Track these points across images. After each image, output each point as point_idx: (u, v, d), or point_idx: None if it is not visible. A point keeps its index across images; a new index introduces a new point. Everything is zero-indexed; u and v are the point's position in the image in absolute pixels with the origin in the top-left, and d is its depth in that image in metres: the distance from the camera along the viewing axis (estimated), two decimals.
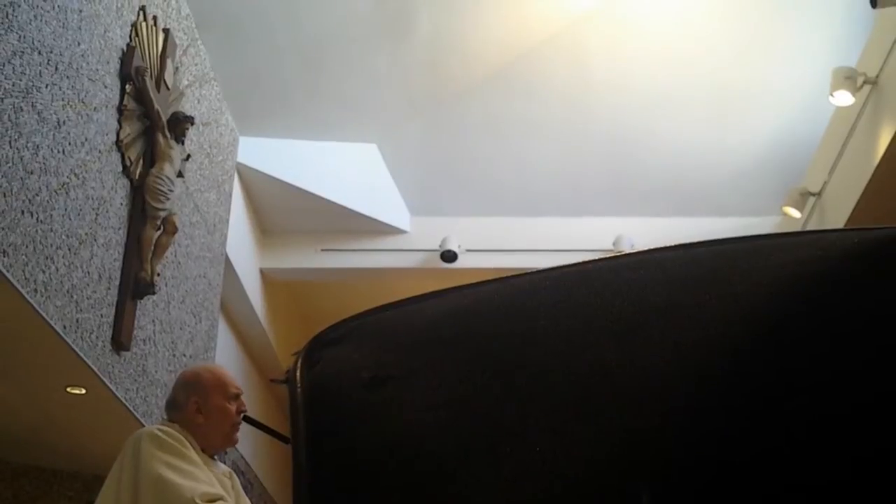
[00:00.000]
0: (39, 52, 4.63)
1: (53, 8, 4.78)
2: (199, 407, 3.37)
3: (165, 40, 6.18)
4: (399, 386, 0.80)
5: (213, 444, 3.39)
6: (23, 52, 4.47)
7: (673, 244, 0.86)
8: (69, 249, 4.89)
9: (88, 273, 5.10)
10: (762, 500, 0.70)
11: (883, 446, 0.72)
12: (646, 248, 0.87)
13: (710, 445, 0.73)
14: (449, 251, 8.72)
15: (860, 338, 0.75)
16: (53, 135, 4.76)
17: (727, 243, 0.85)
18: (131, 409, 5.65)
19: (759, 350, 0.76)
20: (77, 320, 4.96)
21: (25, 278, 4.47)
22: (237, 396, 3.45)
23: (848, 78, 6.34)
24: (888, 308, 0.76)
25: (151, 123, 5.88)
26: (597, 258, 0.89)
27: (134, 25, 5.76)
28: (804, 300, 0.77)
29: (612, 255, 0.87)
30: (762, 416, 0.73)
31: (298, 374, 0.83)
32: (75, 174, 4.98)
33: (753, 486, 0.71)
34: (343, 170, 8.55)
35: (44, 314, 4.64)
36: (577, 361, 0.78)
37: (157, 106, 5.85)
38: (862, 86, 6.35)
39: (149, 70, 5.83)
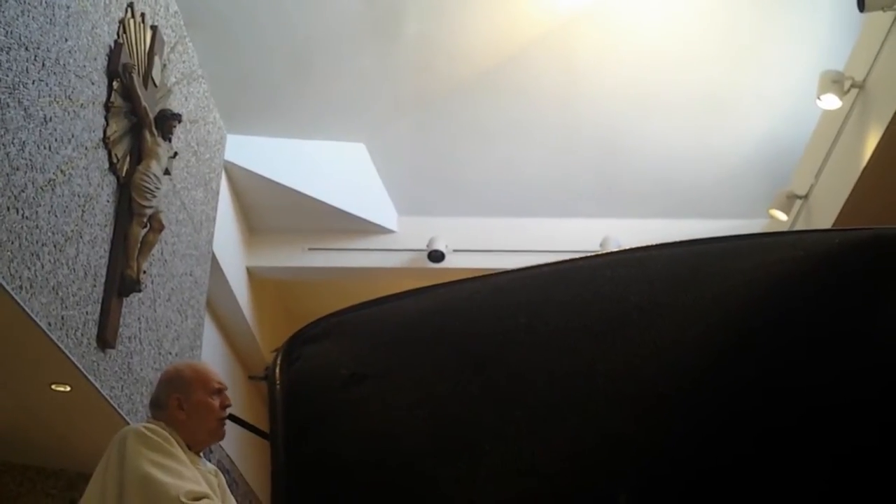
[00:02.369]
0: (26, 48, 4.62)
1: (41, 4, 4.77)
2: (180, 403, 3.36)
3: (153, 37, 6.17)
4: (377, 384, 0.80)
5: (199, 440, 3.38)
6: (9, 48, 4.46)
7: (653, 244, 0.87)
8: (55, 246, 4.87)
9: (74, 270, 5.09)
10: (741, 502, 0.70)
11: (862, 445, 0.72)
12: (626, 248, 0.87)
13: (688, 446, 0.73)
14: (436, 251, 8.72)
15: (840, 338, 0.75)
16: (40, 131, 4.74)
17: (707, 243, 0.85)
18: (116, 406, 5.63)
19: (738, 351, 0.76)
20: (62, 317, 4.95)
21: (11, 275, 4.45)
22: (220, 391, 3.43)
23: (835, 82, 6.36)
24: (869, 308, 0.76)
25: (138, 120, 5.87)
26: (577, 257, 0.89)
27: (122, 22, 5.75)
28: (784, 301, 0.77)
29: (593, 254, 0.86)
30: (741, 417, 0.73)
31: (278, 371, 0.83)
32: (62, 171, 4.96)
33: (732, 488, 0.71)
34: (331, 169, 8.55)
35: (29, 311, 4.62)
36: (556, 360, 0.78)
37: (144, 103, 5.84)
38: (849, 89, 6.37)
39: (136, 67, 5.82)
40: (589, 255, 0.92)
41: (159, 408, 3.41)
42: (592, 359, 0.78)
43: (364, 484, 0.75)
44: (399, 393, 0.78)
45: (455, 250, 8.78)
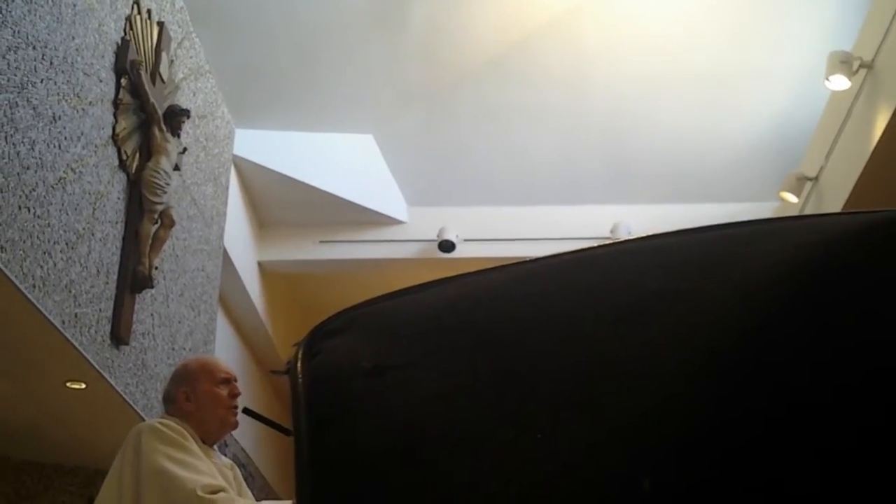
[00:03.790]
0: (34, 47, 4.63)
1: (47, 2, 4.77)
2: (187, 395, 3.39)
3: (160, 33, 6.18)
4: (400, 375, 0.80)
5: (211, 431, 3.39)
6: (17, 48, 4.46)
7: (672, 230, 0.87)
8: (67, 244, 4.89)
9: (87, 268, 5.10)
10: (764, 485, 0.70)
11: (876, 425, 0.72)
12: (644, 235, 0.87)
13: (711, 430, 0.73)
14: (447, 241, 8.72)
15: (860, 321, 0.75)
16: (49, 130, 4.75)
17: (726, 228, 0.85)
18: (131, 403, 5.65)
19: (759, 335, 0.76)
20: (76, 315, 4.97)
21: (24, 274, 4.47)
22: (227, 381, 3.45)
23: (843, 62, 6.34)
24: (888, 290, 0.76)
25: (147, 117, 5.88)
26: (596, 245, 0.90)
27: (128, 19, 5.75)
28: (803, 284, 0.77)
29: (611, 241, 0.86)
30: (762, 401, 0.73)
31: (299, 364, 0.83)
32: (72, 169, 4.97)
33: (757, 470, 0.71)
34: (339, 161, 8.55)
35: (42, 309, 4.64)
36: (577, 347, 0.78)
37: (152, 99, 5.85)
38: (858, 70, 6.35)
39: (144, 63, 5.83)
40: (607, 242, 0.92)
41: (170, 402, 3.45)
42: (613, 346, 0.78)
43: (388, 475, 0.75)
44: (420, 384, 0.78)
45: (466, 240, 8.78)
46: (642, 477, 0.71)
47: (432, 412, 0.76)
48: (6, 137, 4.34)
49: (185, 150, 6.38)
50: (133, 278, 5.59)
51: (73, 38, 5.04)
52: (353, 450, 0.77)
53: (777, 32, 7.36)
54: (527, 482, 0.73)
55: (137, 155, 5.81)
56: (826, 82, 6.49)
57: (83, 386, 5.49)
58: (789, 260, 0.78)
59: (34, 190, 4.58)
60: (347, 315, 0.88)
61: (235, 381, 3.50)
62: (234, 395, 3.45)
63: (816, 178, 7.37)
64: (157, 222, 5.86)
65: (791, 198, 7.49)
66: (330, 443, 0.77)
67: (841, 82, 6.41)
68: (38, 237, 4.60)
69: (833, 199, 6.93)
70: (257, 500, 3.40)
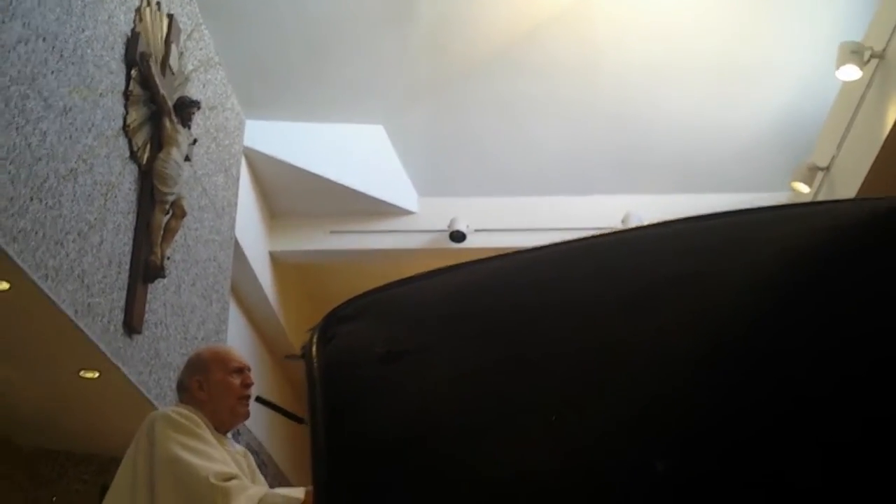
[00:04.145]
0: (44, 39, 4.64)
1: None
2: (200, 384, 3.41)
3: (170, 25, 6.19)
4: (413, 361, 0.81)
5: (223, 420, 3.41)
6: (27, 40, 4.48)
7: (683, 216, 0.87)
8: (79, 234, 4.91)
9: (99, 258, 5.13)
10: (778, 466, 0.71)
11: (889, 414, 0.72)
12: (656, 221, 0.87)
13: (723, 414, 0.73)
14: (457, 231, 8.73)
15: (873, 307, 0.76)
16: (60, 121, 4.77)
17: (737, 215, 0.85)
18: (144, 391, 5.68)
19: (771, 321, 0.76)
20: (88, 305, 4.99)
21: (36, 264, 4.49)
22: (240, 370, 3.46)
23: (854, 52, 6.31)
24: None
25: (157, 108, 5.89)
26: (607, 231, 0.90)
27: (138, 10, 5.76)
28: (815, 270, 0.78)
29: (622, 226, 0.87)
30: (774, 385, 0.74)
31: (314, 349, 0.84)
32: (83, 160, 4.99)
33: (771, 454, 0.72)
34: (350, 152, 8.55)
35: (55, 299, 4.66)
36: (588, 333, 0.79)
37: (162, 91, 5.86)
38: (869, 60, 6.32)
39: (154, 55, 5.84)
40: (618, 229, 0.93)
41: (183, 391, 3.48)
42: (624, 330, 0.79)
43: (403, 460, 0.76)
44: (434, 370, 0.79)
45: (476, 230, 8.78)
46: (655, 459, 0.72)
47: (445, 398, 0.77)
48: (17, 129, 4.35)
49: (195, 141, 6.40)
50: (145, 268, 5.62)
51: (83, 29, 5.06)
52: (368, 435, 0.77)
53: (788, 23, 7.33)
54: (539, 467, 0.74)
55: (148, 146, 5.83)
56: (837, 72, 6.46)
57: (96, 375, 5.51)
58: (802, 246, 0.79)
59: (46, 181, 4.60)
60: (360, 301, 0.88)
61: (249, 370, 3.52)
62: (247, 384, 3.47)
63: (828, 168, 7.35)
64: (168, 213, 5.88)
65: (803, 188, 7.47)
66: (346, 427, 0.78)
67: (852, 72, 6.39)
68: (50, 227, 4.62)
69: (845, 189, 6.91)
70: (270, 487, 3.41)
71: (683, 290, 0.79)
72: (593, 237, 0.89)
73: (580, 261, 0.86)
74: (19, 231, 4.33)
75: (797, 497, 0.70)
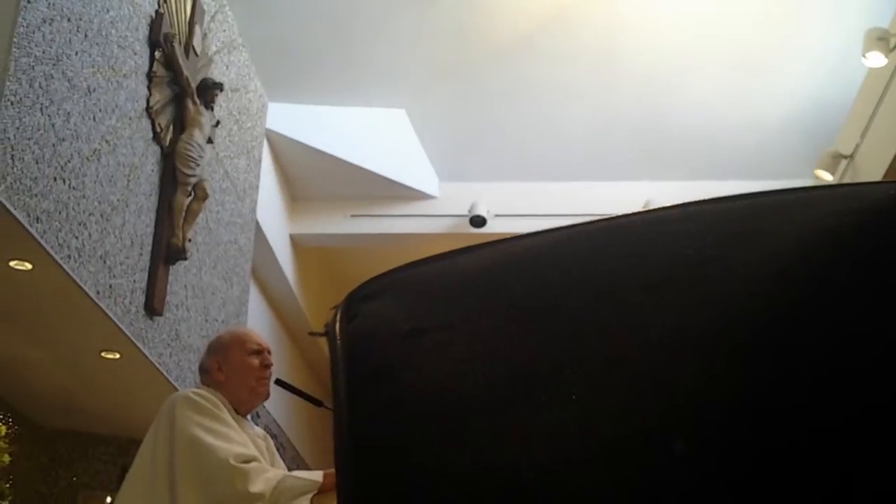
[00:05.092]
0: (69, 20, 4.66)
1: None
2: (219, 365, 3.43)
3: (193, 7, 6.20)
4: (435, 338, 0.81)
5: (241, 401, 3.43)
6: (52, 20, 4.50)
7: (706, 198, 0.87)
8: (101, 216, 4.93)
9: (121, 239, 5.15)
10: (800, 444, 0.71)
11: None
12: (679, 202, 0.87)
13: (743, 396, 0.73)
14: (478, 216, 8.72)
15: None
16: (84, 102, 4.79)
17: (762, 196, 0.85)
18: (164, 373, 5.71)
19: (795, 304, 0.76)
20: (110, 286, 5.02)
21: (59, 244, 4.51)
22: (259, 352, 3.48)
23: (881, 39, 6.27)
24: None
25: (181, 90, 5.91)
26: (631, 212, 0.90)
27: None
28: (840, 253, 0.78)
29: (644, 209, 0.87)
30: (795, 365, 0.74)
31: (337, 326, 0.84)
32: (106, 141, 5.01)
33: (789, 436, 0.72)
34: (372, 135, 8.56)
35: (77, 279, 4.69)
36: (609, 313, 0.79)
37: (185, 72, 5.88)
38: (895, 47, 6.28)
39: (177, 36, 5.85)
40: (643, 210, 0.92)
41: (204, 372, 3.50)
42: (645, 311, 0.79)
43: (427, 435, 0.76)
44: (457, 347, 0.79)
45: (497, 215, 8.78)
46: (674, 440, 0.72)
47: (468, 375, 0.77)
48: (41, 109, 4.38)
49: (218, 123, 6.41)
50: (167, 250, 5.64)
51: (108, 10, 5.07)
52: (391, 411, 0.78)
53: (813, 9, 7.28)
54: (560, 446, 0.74)
55: (171, 127, 5.85)
56: (863, 59, 6.42)
57: (117, 356, 5.55)
58: (825, 228, 0.78)
59: (69, 161, 4.62)
60: (383, 280, 0.89)
61: (269, 352, 3.53)
62: (266, 365, 3.48)
63: (852, 156, 7.30)
64: (190, 195, 5.90)
65: (826, 175, 7.43)
66: (368, 403, 0.79)
67: (878, 59, 6.35)
68: (73, 208, 4.64)
69: (868, 177, 6.86)
70: (288, 470, 3.43)
71: (704, 273, 0.79)
72: (616, 217, 0.89)
73: (603, 241, 0.86)
74: (42, 211, 4.36)
75: (806, 473, 0.70)
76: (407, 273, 0.89)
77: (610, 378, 0.74)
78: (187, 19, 6.11)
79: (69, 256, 4.61)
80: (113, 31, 5.13)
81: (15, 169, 4.15)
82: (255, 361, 3.46)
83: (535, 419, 0.72)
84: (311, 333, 0.94)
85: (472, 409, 0.73)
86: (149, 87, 5.58)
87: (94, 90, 4.90)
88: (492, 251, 0.88)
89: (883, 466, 0.70)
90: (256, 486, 3.04)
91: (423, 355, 0.77)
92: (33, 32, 4.33)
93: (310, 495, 3.07)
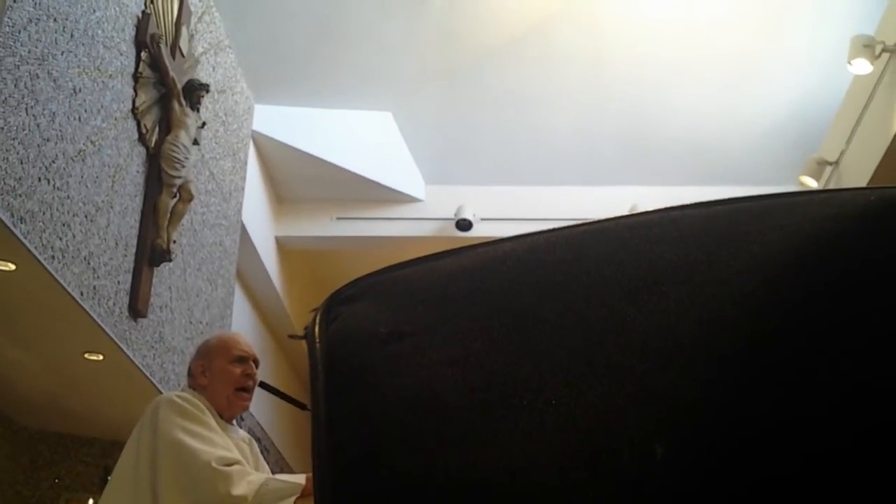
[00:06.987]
0: (55, 20, 4.64)
1: None
2: (203, 370, 3.43)
3: (180, 7, 6.18)
4: (416, 342, 0.81)
5: (220, 407, 3.42)
6: (38, 20, 4.48)
7: (689, 203, 0.87)
8: (86, 217, 4.91)
9: (105, 240, 5.13)
10: (778, 450, 0.71)
11: None
12: (662, 207, 0.87)
13: (724, 399, 0.73)
14: (464, 220, 8.73)
15: (874, 294, 0.76)
16: (69, 102, 4.77)
17: (744, 201, 0.85)
18: (148, 375, 5.69)
19: (774, 307, 0.76)
20: (94, 287, 5.00)
21: (43, 245, 4.49)
22: (242, 360, 3.46)
23: (866, 46, 6.30)
24: None
25: (167, 91, 5.89)
26: (612, 217, 0.90)
27: None
28: (819, 258, 0.78)
29: (628, 213, 0.87)
30: (775, 370, 0.74)
31: (317, 329, 0.84)
32: (91, 141, 4.99)
33: (769, 438, 0.72)
34: (358, 138, 8.56)
35: (61, 281, 4.67)
36: (592, 316, 0.79)
37: (172, 73, 5.86)
38: (880, 54, 6.30)
39: (164, 37, 5.84)
40: (625, 215, 0.92)
41: (189, 376, 3.51)
42: (627, 315, 0.79)
43: (405, 439, 0.76)
44: (437, 350, 0.79)
45: (483, 219, 8.78)
46: (655, 443, 0.72)
47: (448, 378, 0.77)
48: (27, 109, 4.36)
49: (204, 124, 6.40)
50: (151, 251, 5.62)
51: (94, 10, 5.06)
52: (370, 414, 0.78)
53: (799, 16, 7.31)
54: (541, 449, 0.74)
55: (157, 128, 5.83)
56: (848, 66, 6.45)
57: (101, 357, 5.53)
58: (804, 233, 0.78)
59: (54, 162, 4.60)
60: (364, 282, 0.88)
61: (255, 361, 3.51)
62: (247, 374, 3.46)
63: (837, 163, 7.33)
64: (175, 196, 5.88)
65: (811, 182, 7.46)
66: (347, 405, 0.78)
67: (863, 66, 6.37)
68: (57, 209, 4.62)
69: (853, 184, 6.88)
70: (273, 473, 3.42)
71: (688, 275, 0.79)
72: (598, 222, 0.89)
73: (585, 245, 0.86)
74: (27, 212, 4.34)
75: (792, 481, 0.70)
76: (389, 276, 0.88)
77: (590, 383, 0.74)
78: (174, 20, 6.10)
79: (53, 257, 4.59)
80: (99, 32, 5.12)
81: None
82: (237, 370, 3.45)
83: (515, 424, 0.71)
84: (291, 336, 0.94)
85: (451, 413, 0.73)
86: (135, 88, 5.56)
87: (80, 90, 4.88)
88: (475, 254, 0.88)
89: (872, 467, 0.70)
90: (239, 489, 3.03)
91: (403, 359, 0.77)
92: (19, 32, 4.31)
93: (293, 498, 3.06)
